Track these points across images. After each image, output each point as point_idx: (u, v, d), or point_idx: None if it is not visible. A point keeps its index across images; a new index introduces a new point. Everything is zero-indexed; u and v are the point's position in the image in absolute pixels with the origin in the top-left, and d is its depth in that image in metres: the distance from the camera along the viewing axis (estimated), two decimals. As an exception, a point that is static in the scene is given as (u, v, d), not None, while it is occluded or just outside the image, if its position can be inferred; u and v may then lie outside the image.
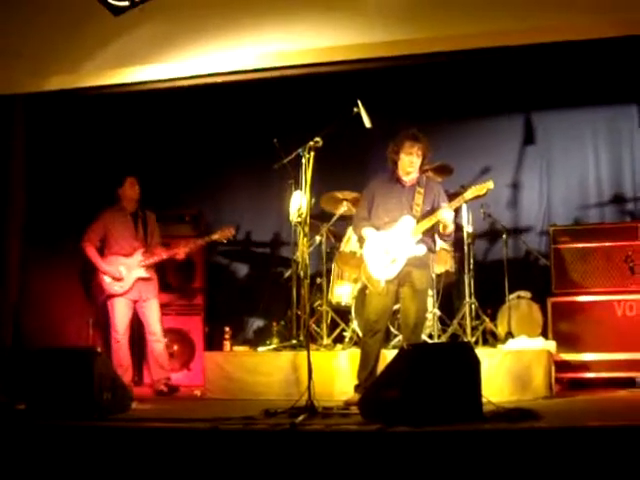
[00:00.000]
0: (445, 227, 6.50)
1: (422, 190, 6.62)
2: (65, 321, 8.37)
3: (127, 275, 7.75)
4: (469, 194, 6.56)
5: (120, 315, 7.76)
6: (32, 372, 6.11)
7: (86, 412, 5.71)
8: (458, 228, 7.70)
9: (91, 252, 7.81)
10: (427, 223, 6.49)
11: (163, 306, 8.15)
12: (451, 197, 6.73)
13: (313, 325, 7.92)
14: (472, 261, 7.76)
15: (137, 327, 8.16)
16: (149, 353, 8.00)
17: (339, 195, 8.07)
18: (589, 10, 6.68)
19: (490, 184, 6.55)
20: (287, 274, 8.42)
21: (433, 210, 6.56)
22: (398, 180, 6.68)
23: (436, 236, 6.69)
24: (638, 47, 7.06)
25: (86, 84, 7.79)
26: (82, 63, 7.65)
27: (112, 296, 7.78)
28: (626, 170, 8.46)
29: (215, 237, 7.94)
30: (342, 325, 7.93)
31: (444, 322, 7.71)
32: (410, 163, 6.56)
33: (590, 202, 8.53)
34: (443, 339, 7.47)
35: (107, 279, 7.77)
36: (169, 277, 8.72)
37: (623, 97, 8.38)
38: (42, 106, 8.06)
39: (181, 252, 7.90)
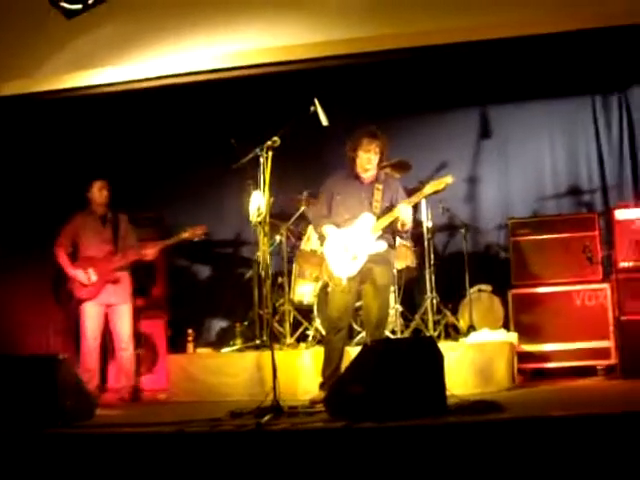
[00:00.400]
0: (403, 224, 6.53)
1: (381, 187, 6.65)
2: (28, 328, 8.30)
3: (96, 279, 7.68)
4: (428, 189, 6.60)
5: (90, 320, 7.66)
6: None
7: (50, 420, 5.66)
8: (418, 224, 7.75)
9: (61, 256, 7.72)
10: (386, 220, 6.51)
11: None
12: (410, 193, 6.76)
13: (276, 325, 7.90)
14: (432, 256, 7.79)
15: (104, 332, 8.07)
16: (116, 360, 7.91)
17: (298, 195, 8.09)
18: (544, 5, 6.75)
19: (448, 179, 6.61)
20: (248, 274, 8.40)
21: (392, 207, 6.58)
22: (357, 177, 6.70)
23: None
24: (592, 40, 7.16)
25: (43, 88, 7.73)
26: (38, 68, 7.58)
27: (82, 300, 7.70)
28: (582, 162, 8.52)
29: (185, 235, 7.74)
30: (305, 324, 7.94)
31: (406, 317, 7.74)
32: (368, 160, 6.59)
33: (547, 194, 8.59)
34: (406, 334, 7.50)
35: (76, 283, 7.71)
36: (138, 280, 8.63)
37: (578, 89, 8.46)
38: (2, 111, 8.00)
39: (149, 253, 7.81)
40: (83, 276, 7.64)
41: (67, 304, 8.12)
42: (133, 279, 8.03)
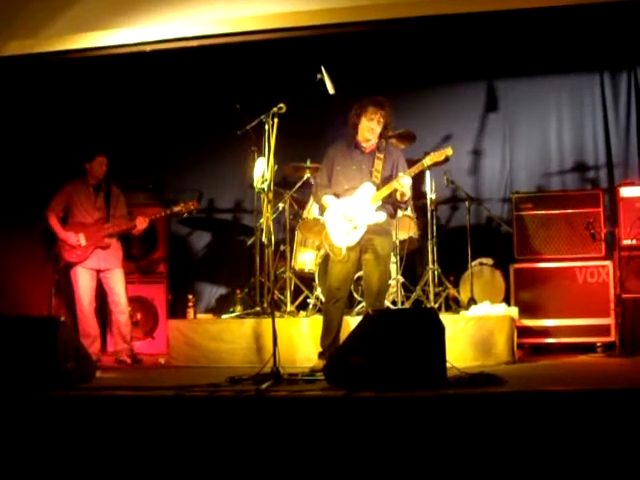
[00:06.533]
0: (402, 194, 6.49)
1: (382, 155, 6.61)
2: (27, 291, 8.31)
3: (85, 243, 7.71)
4: (427, 161, 6.59)
5: (83, 285, 7.75)
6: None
7: (51, 382, 5.66)
8: (422, 195, 7.73)
9: (52, 220, 7.82)
10: (386, 190, 6.48)
11: (126, 274, 8.11)
12: (413, 164, 6.73)
13: (277, 292, 7.91)
14: (435, 228, 7.78)
15: (101, 297, 8.10)
16: (112, 323, 7.98)
17: (302, 163, 8.07)
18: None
19: (449, 150, 6.60)
20: (250, 241, 8.40)
21: (392, 176, 6.56)
22: (357, 146, 6.66)
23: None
24: (603, 15, 7.11)
25: (46, 49, 7.69)
26: (42, 28, 7.54)
27: (71, 264, 7.77)
28: (588, 138, 8.50)
29: (177, 209, 7.89)
30: (306, 292, 7.95)
31: (407, 288, 7.74)
32: (370, 129, 6.54)
33: (552, 170, 8.57)
34: (407, 305, 7.50)
35: (65, 247, 7.75)
36: (133, 246, 8.66)
37: (587, 65, 8.43)
38: (4, 71, 7.95)
39: (140, 226, 7.84)
40: (74, 238, 7.68)
41: (54, 266, 8.17)
42: (135, 244, 8.04)
